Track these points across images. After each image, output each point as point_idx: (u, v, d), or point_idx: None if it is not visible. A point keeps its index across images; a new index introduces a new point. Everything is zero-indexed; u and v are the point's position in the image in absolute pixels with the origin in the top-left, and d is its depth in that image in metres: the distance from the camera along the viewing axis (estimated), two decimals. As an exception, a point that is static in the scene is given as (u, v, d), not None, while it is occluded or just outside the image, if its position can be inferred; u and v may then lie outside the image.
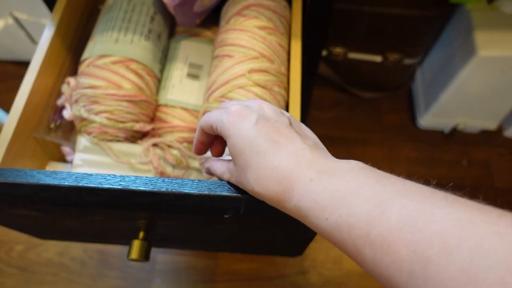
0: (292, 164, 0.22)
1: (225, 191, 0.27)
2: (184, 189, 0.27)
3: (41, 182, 0.27)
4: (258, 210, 0.28)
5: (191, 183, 0.27)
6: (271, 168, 0.22)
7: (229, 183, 0.27)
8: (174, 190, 0.27)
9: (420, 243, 0.17)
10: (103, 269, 0.82)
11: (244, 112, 0.25)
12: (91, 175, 0.27)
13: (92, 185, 0.27)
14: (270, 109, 0.26)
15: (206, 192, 0.27)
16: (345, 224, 0.19)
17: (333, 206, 0.20)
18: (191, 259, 0.83)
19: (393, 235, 0.18)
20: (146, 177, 0.27)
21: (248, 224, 0.33)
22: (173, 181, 0.27)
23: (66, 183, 0.27)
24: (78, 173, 0.27)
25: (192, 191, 0.27)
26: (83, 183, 0.27)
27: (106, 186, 0.27)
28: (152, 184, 0.27)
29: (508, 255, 0.15)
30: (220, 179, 0.28)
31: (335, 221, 0.20)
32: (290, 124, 0.25)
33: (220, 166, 0.28)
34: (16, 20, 0.92)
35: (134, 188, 0.27)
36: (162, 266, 0.82)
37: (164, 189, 0.27)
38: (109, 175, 0.27)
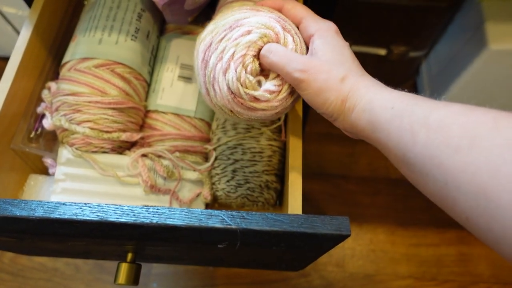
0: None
1: (218, 223, 0.23)
2: (171, 221, 0.23)
3: (8, 213, 0.23)
4: (255, 242, 0.24)
5: (179, 213, 0.24)
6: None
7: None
8: (159, 222, 0.23)
9: (471, 123, 0.20)
10: (98, 274, 0.79)
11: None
12: (65, 204, 0.24)
13: (66, 217, 0.23)
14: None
15: (197, 224, 0.23)
16: (409, 110, 0.23)
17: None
18: (189, 262, 0.81)
19: (449, 118, 0.21)
20: (128, 207, 0.24)
21: (247, 250, 0.29)
22: (159, 211, 0.24)
23: (36, 215, 0.23)
24: (50, 202, 0.24)
25: (180, 223, 0.23)
26: (55, 214, 0.23)
27: (82, 218, 0.23)
28: (134, 215, 0.24)
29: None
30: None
31: (400, 109, 0.23)
32: None
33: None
34: (2, 14, 0.87)
35: (113, 220, 0.23)
36: (159, 270, 0.80)
37: (148, 221, 0.23)
38: (85, 204, 0.24)
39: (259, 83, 0.29)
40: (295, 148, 0.33)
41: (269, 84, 0.29)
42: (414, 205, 0.84)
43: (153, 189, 0.39)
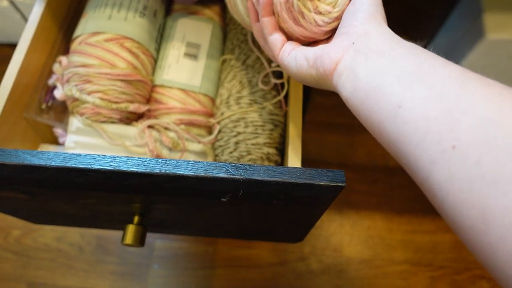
0: None
1: (222, 173, 0.25)
2: (179, 171, 0.25)
3: (27, 162, 0.25)
4: (257, 193, 0.26)
5: (186, 164, 0.25)
6: None
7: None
8: (168, 172, 0.25)
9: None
10: (101, 255, 0.81)
11: None
12: (80, 155, 0.26)
13: (81, 166, 0.25)
14: None
15: (203, 174, 0.25)
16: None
17: None
18: (189, 245, 0.83)
19: None
20: (139, 158, 0.26)
21: (247, 208, 0.31)
22: (167, 162, 0.25)
23: (53, 164, 0.25)
24: (66, 153, 0.26)
25: (187, 173, 0.25)
26: (71, 163, 0.25)
27: (96, 167, 0.25)
28: (144, 165, 0.25)
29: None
30: None
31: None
32: None
33: None
34: (11, 2, 0.89)
35: (125, 169, 0.25)
36: (161, 252, 0.81)
37: (157, 170, 0.25)
38: (99, 155, 0.26)
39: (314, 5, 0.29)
40: (296, 111, 0.35)
41: (319, 19, 0.29)
42: (411, 193, 0.86)
43: (159, 159, 0.41)
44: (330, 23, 0.29)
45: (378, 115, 0.23)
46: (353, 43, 0.26)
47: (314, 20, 0.29)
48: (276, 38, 0.30)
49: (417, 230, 0.83)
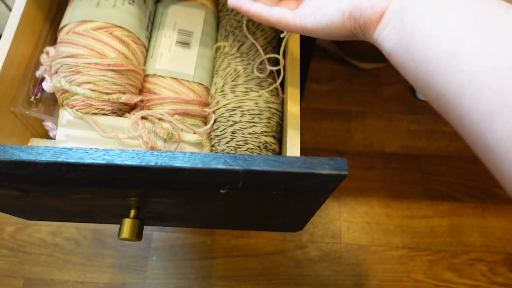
0: None
1: (220, 164, 0.24)
2: (175, 163, 0.24)
3: (15, 158, 0.24)
4: (256, 184, 0.25)
5: (183, 156, 0.24)
6: None
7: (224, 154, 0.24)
8: (164, 164, 0.24)
9: None
10: (98, 249, 0.80)
11: None
12: (71, 149, 0.25)
13: (73, 160, 0.24)
14: None
15: (200, 166, 0.24)
16: None
17: None
18: (187, 236, 0.82)
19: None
20: (133, 151, 0.25)
21: (246, 199, 0.30)
22: (163, 154, 0.24)
23: (43, 159, 0.24)
24: (56, 147, 0.25)
25: (184, 165, 0.24)
26: (62, 158, 0.24)
27: (88, 161, 0.24)
28: (139, 157, 0.24)
29: None
30: None
31: None
32: None
33: None
34: (-7, -10, 0.86)
35: (119, 162, 0.24)
36: (158, 244, 0.81)
37: (153, 163, 0.24)
38: (91, 148, 0.25)
39: None
40: (293, 98, 0.34)
41: None
42: (408, 178, 0.86)
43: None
44: None
45: (427, 65, 0.21)
46: None
47: None
48: (280, 10, 0.28)
49: (414, 215, 0.84)
